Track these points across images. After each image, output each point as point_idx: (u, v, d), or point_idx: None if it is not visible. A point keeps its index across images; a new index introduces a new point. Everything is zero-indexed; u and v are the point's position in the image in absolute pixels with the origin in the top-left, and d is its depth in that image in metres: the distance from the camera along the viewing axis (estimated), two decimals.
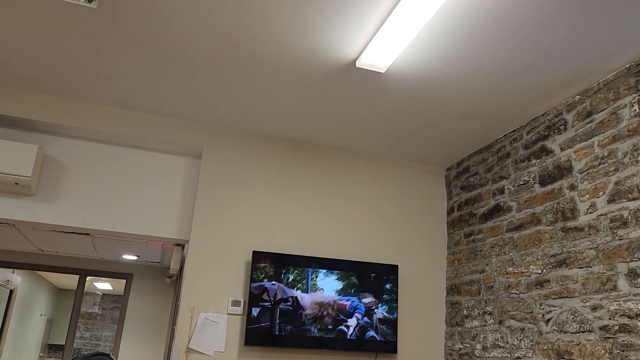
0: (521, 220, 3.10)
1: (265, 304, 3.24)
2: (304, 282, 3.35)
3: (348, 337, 3.34)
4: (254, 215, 3.48)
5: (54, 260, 6.37)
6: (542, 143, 3.04)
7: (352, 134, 3.55)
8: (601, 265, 2.51)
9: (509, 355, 3.03)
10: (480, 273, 3.40)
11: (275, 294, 3.28)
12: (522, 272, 3.03)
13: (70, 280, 9.30)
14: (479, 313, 3.35)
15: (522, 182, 3.15)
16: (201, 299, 3.24)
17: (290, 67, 2.76)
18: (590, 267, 2.56)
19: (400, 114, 3.21)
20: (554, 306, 2.76)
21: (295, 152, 3.70)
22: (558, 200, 2.84)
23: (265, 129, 3.56)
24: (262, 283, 3.27)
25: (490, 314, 3.25)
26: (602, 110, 2.64)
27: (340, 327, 3.34)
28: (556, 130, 2.94)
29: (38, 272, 8.50)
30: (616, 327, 2.37)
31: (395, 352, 3.43)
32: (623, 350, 2.32)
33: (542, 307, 2.84)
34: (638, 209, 2.36)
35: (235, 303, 3.28)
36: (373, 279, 3.50)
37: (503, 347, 3.10)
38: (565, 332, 2.66)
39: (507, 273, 3.16)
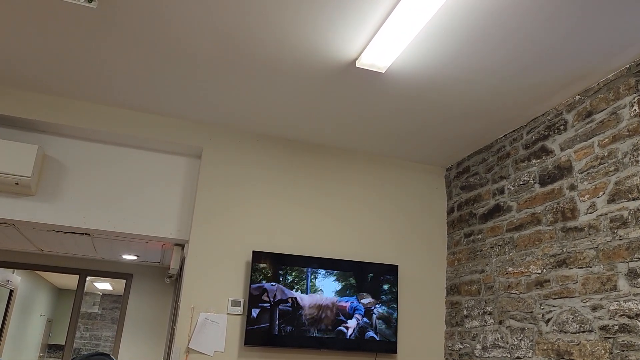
0: (521, 220, 3.10)
1: (265, 304, 3.24)
2: (303, 282, 3.35)
3: (348, 337, 3.34)
4: (254, 215, 3.48)
5: (54, 260, 6.37)
6: (542, 143, 3.04)
7: (352, 134, 3.55)
8: (601, 265, 2.51)
9: (509, 355, 3.03)
10: (480, 273, 3.40)
11: (275, 294, 3.28)
12: (522, 272, 3.03)
13: (70, 280, 9.30)
14: (479, 313, 3.35)
15: (522, 182, 3.15)
16: (201, 299, 3.24)
17: (290, 67, 2.76)
18: (590, 267, 2.56)
19: (400, 114, 3.21)
20: (554, 306, 2.76)
21: (295, 152, 3.70)
22: (558, 200, 2.84)
23: (265, 129, 3.56)
24: (262, 284, 3.27)
25: (490, 314, 3.25)
26: (602, 110, 2.64)
27: (339, 327, 3.34)
28: (556, 130, 2.94)
29: (38, 272, 8.50)
30: (616, 327, 2.37)
31: (395, 352, 3.43)
32: (623, 350, 2.32)
33: (542, 307, 2.84)
34: (638, 209, 2.36)
35: (235, 303, 3.28)
36: (372, 279, 3.50)
37: (503, 347, 3.10)
38: (565, 332, 2.66)
39: (507, 273, 3.16)
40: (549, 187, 2.92)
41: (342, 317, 3.36)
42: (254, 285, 3.25)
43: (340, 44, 2.52)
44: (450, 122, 3.29)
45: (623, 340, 2.33)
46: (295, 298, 3.31)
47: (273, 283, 3.29)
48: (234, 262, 3.36)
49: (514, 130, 3.31)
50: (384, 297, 3.49)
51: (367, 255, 3.67)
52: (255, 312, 3.21)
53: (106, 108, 3.36)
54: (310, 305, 3.32)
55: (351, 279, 3.45)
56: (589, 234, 2.60)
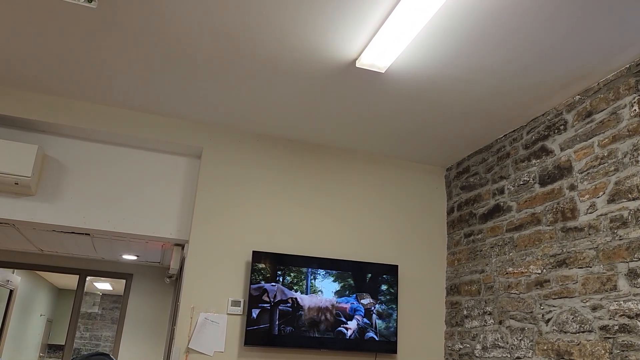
0: (521, 220, 3.10)
1: (265, 305, 3.24)
2: (302, 283, 3.35)
3: (347, 338, 3.34)
4: (254, 215, 3.48)
5: (54, 260, 6.37)
6: (542, 143, 3.04)
7: (352, 134, 3.55)
8: (601, 265, 2.51)
9: (509, 355, 3.03)
10: (480, 273, 3.40)
11: (275, 295, 3.28)
12: (522, 272, 3.03)
13: (70, 280, 9.30)
14: (479, 313, 3.35)
15: (522, 182, 3.15)
16: (201, 299, 3.24)
17: (290, 67, 2.76)
18: (590, 267, 2.56)
19: (400, 114, 3.21)
20: (554, 306, 2.76)
21: (295, 152, 3.70)
22: (558, 200, 2.84)
23: (265, 129, 3.56)
24: (262, 284, 3.27)
25: (490, 314, 3.25)
26: (602, 110, 2.64)
27: (339, 328, 3.34)
28: (556, 130, 2.94)
29: (38, 272, 8.50)
30: (616, 327, 2.37)
31: (395, 352, 3.43)
32: (623, 350, 2.32)
33: (542, 307, 2.84)
34: (638, 209, 2.36)
35: (235, 303, 3.28)
36: (372, 279, 3.50)
37: (503, 347, 3.10)
38: (565, 332, 2.66)
39: (507, 273, 3.16)
40: (549, 187, 2.92)
41: (342, 318, 3.36)
42: (254, 286, 3.25)
43: (340, 44, 2.52)
44: (450, 122, 3.29)
45: (623, 340, 2.33)
46: (295, 298, 3.31)
47: (273, 283, 3.29)
48: (234, 262, 3.36)
49: (514, 130, 3.31)
50: (383, 297, 3.49)
51: (367, 255, 3.67)
52: (255, 313, 3.21)
53: (106, 108, 3.36)
54: (310, 307, 3.32)
55: (350, 279, 3.45)
56: (589, 234, 2.60)
